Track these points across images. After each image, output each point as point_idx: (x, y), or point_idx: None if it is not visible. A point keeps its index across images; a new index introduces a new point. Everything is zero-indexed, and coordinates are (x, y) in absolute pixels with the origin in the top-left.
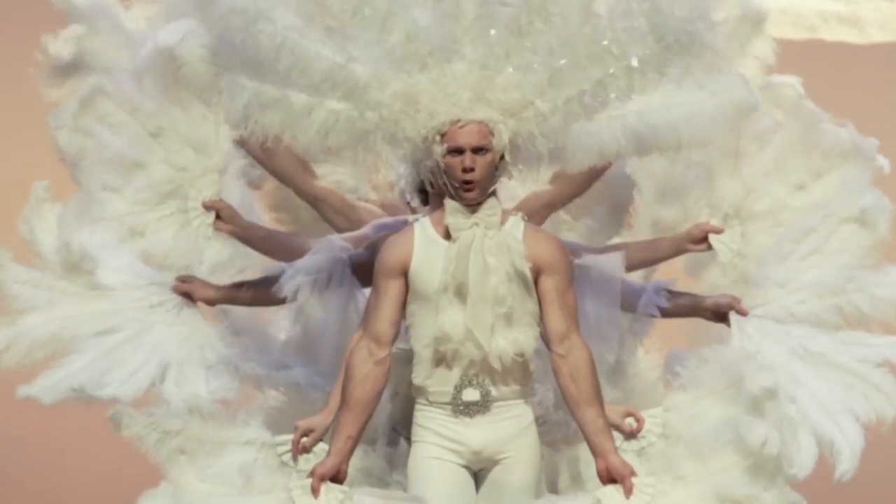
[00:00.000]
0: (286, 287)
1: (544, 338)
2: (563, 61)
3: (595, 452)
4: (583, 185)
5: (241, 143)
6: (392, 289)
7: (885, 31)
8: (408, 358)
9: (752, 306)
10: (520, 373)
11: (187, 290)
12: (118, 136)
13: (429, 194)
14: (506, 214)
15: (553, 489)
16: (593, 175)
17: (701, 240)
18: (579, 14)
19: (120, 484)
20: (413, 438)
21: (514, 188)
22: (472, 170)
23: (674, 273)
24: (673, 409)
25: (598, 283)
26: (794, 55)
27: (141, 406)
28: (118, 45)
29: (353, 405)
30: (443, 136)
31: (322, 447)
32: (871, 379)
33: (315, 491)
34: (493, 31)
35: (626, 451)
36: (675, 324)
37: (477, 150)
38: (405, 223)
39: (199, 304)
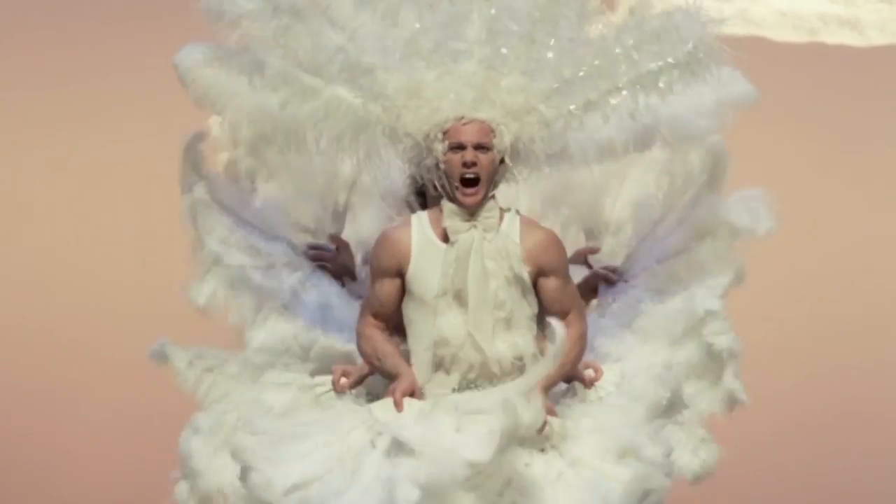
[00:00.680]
0: None
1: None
2: (570, 70)
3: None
4: None
5: None
6: (388, 286)
7: (884, 34)
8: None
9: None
10: (518, 376)
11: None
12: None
13: (427, 198)
14: (502, 213)
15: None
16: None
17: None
18: (591, 24)
19: (120, 485)
20: None
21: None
22: (473, 164)
23: None
24: (630, 358)
25: None
26: (794, 58)
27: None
28: None
29: (390, 350)
30: (445, 133)
31: None
32: None
33: (399, 405)
34: (503, 34)
35: (588, 401)
36: None
37: (478, 148)
38: None
39: None
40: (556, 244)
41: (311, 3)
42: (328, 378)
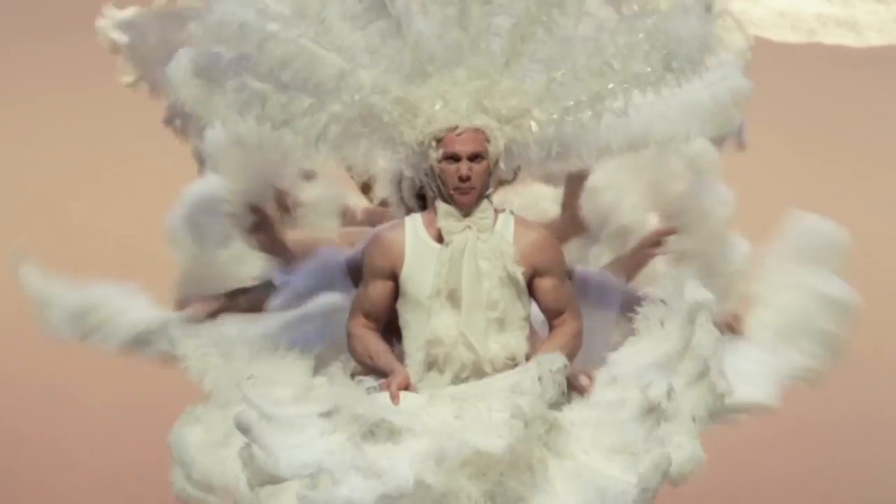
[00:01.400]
0: (276, 303)
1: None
2: (561, 72)
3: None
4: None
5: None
6: (380, 287)
7: (882, 35)
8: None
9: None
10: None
11: (192, 315)
12: None
13: (427, 199)
14: (496, 213)
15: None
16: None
17: (656, 244)
18: (581, 26)
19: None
20: None
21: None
22: (468, 178)
23: None
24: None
25: (593, 299)
26: (792, 58)
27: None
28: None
29: (382, 348)
30: (439, 141)
31: None
32: None
33: (395, 398)
34: (494, 40)
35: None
36: None
37: (473, 158)
38: None
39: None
40: (551, 244)
41: (302, 17)
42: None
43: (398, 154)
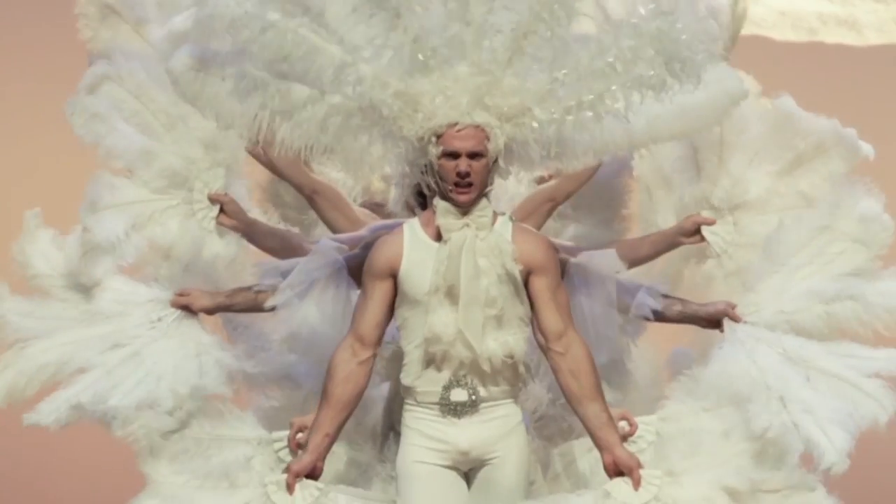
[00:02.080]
0: (275, 300)
1: (537, 336)
2: (564, 72)
3: (601, 447)
4: (582, 179)
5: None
6: (379, 290)
7: (881, 34)
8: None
9: (746, 313)
10: (509, 374)
11: (185, 303)
12: (130, 123)
13: (427, 197)
14: (495, 215)
15: (550, 484)
16: (591, 170)
17: (693, 232)
18: (584, 26)
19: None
20: (402, 440)
21: (510, 185)
22: (467, 175)
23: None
24: (669, 419)
25: (594, 282)
26: (793, 57)
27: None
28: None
29: (333, 403)
30: (439, 137)
31: None
32: (862, 387)
33: (290, 487)
34: (497, 36)
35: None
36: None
37: (472, 155)
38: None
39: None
40: (549, 246)
41: (304, 10)
42: (286, 434)
43: (398, 149)
